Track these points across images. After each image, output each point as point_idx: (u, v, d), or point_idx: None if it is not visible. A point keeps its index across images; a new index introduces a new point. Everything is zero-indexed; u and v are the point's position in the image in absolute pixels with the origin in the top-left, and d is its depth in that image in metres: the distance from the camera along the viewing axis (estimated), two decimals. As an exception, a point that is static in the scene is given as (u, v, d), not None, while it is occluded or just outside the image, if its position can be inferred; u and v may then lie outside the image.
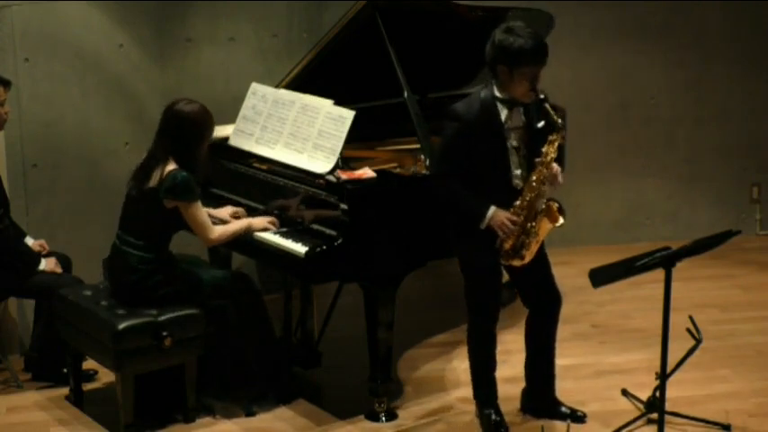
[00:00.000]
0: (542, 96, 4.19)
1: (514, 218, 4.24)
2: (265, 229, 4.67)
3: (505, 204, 4.26)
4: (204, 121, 4.57)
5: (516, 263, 4.32)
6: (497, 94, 4.25)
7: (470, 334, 4.52)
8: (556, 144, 4.20)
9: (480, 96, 4.27)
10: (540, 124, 4.24)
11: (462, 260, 4.43)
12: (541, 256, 4.44)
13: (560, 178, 4.32)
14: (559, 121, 4.18)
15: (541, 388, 4.65)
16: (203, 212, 4.59)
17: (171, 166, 4.50)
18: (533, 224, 4.26)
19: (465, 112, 4.25)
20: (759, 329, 5.67)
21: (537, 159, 4.23)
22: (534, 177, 4.23)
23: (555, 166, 4.25)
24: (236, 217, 4.82)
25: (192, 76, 5.96)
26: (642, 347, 5.35)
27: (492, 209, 4.23)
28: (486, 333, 4.47)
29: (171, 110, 4.58)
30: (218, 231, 4.62)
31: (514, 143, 4.28)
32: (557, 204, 4.25)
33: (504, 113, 4.25)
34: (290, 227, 4.69)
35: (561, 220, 4.26)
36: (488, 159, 4.26)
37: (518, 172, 4.30)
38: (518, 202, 4.26)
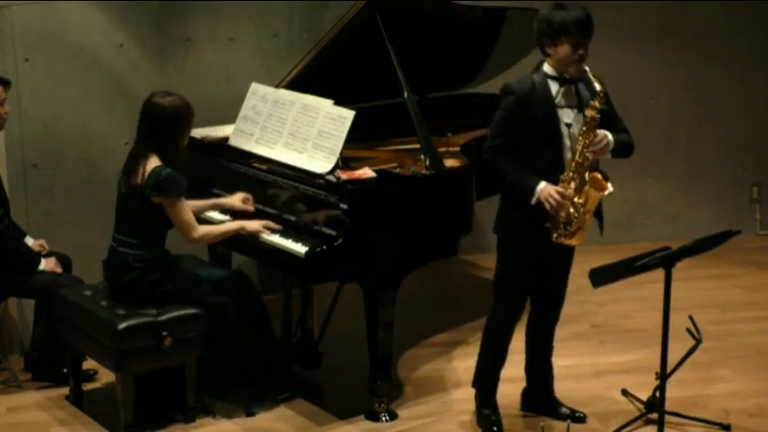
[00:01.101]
0: (587, 68, 4.18)
1: (561, 189, 4.18)
2: (259, 233, 4.64)
3: (557, 182, 4.21)
4: (182, 112, 4.54)
5: (567, 241, 4.24)
6: (547, 70, 4.25)
7: (489, 324, 4.50)
8: (597, 109, 4.14)
9: (533, 76, 4.27)
10: (594, 102, 4.16)
11: (503, 237, 4.39)
12: (569, 257, 4.44)
13: (605, 145, 4.23)
14: (599, 86, 4.13)
15: (541, 387, 4.66)
16: (187, 210, 4.56)
17: (154, 162, 4.49)
18: (580, 196, 4.19)
19: (518, 87, 4.24)
20: (759, 329, 5.67)
21: (582, 128, 4.19)
22: (578, 147, 4.18)
23: (601, 132, 4.21)
24: (245, 204, 4.81)
25: (192, 76, 5.96)
26: (642, 347, 5.35)
27: (542, 183, 4.18)
28: (504, 326, 4.45)
29: (149, 103, 4.56)
30: (203, 231, 4.60)
31: (567, 120, 4.25)
32: (600, 174, 4.19)
33: (554, 89, 4.23)
34: (289, 227, 4.69)
35: (610, 188, 4.17)
36: (540, 135, 4.22)
37: (569, 150, 4.24)
38: (564, 175, 4.21)
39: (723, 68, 6.99)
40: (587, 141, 4.18)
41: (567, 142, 4.25)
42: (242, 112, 5.17)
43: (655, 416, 4.33)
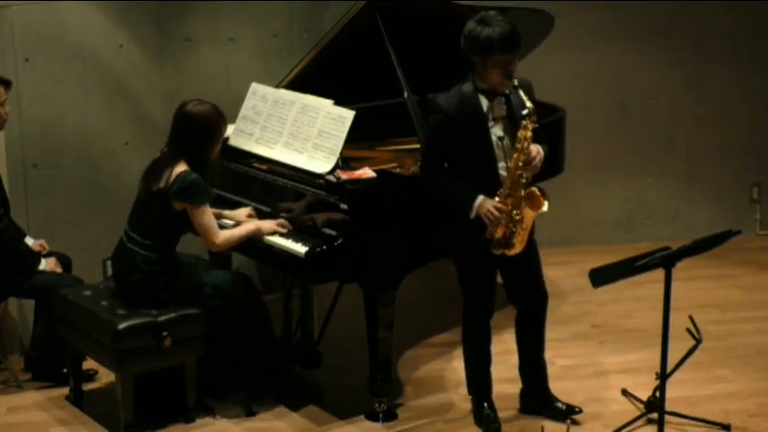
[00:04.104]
0: (516, 83, 4.19)
1: (500, 205, 4.24)
2: (274, 233, 4.63)
3: (494, 195, 4.27)
4: (215, 121, 4.56)
5: (508, 252, 4.31)
6: (477, 85, 4.28)
7: (464, 325, 4.54)
8: (530, 127, 4.19)
9: (462, 88, 4.30)
10: (524, 112, 4.20)
11: (453, 250, 4.45)
12: (533, 254, 4.45)
13: (539, 162, 4.27)
14: (530, 104, 4.15)
15: (536, 386, 4.66)
16: (211, 216, 4.56)
17: (181, 168, 4.49)
18: (518, 212, 4.25)
19: (446, 104, 4.28)
20: (759, 329, 5.67)
21: (516, 145, 4.23)
22: (512, 163, 4.24)
23: (533, 148, 4.24)
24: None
25: (192, 76, 5.96)
26: (642, 347, 5.35)
27: (480, 197, 4.25)
28: (479, 325, 4.48)
29: (182, 111, 4.57)
30: (225, 236, 4.59)
31: (499, 133, 4.29)
32: (538, 190, 4.23)
33: (485, 104, 4.27)
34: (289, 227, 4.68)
35: (545, 207, 4.22)
36: (473, 150, 4.28)
37: (503, 163, 4.30)
38: (501, 190, 4.26)
39: (723, 68, 6.98)
40: (521, 160, 4.22)
41: (501, 154, 4.30)
42: (242, 112, 5.17)
43: (655, 416, 4.33)
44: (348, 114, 4.68)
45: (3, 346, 5.33)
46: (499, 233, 4.28)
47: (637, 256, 4.03)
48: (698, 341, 4.42)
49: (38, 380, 5.12)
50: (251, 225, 4.68)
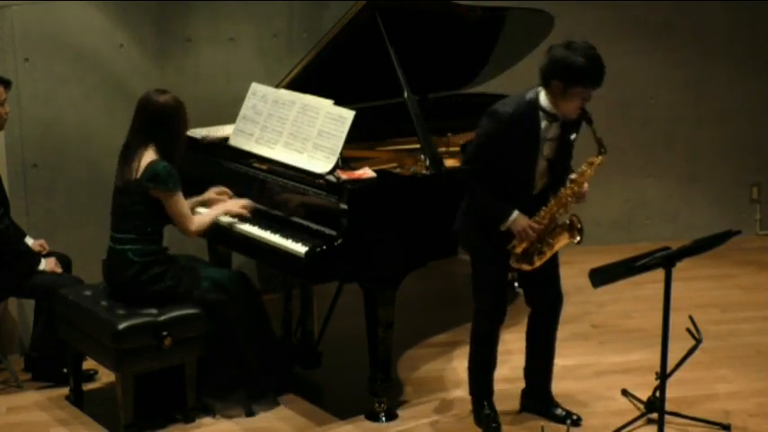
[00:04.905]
0: (588, 116, 4.20)
1: (536, 225, 4.27)
2: (240, 214, 4.74)
3: (522, 210, 4.28)
4: (176, 108, 4.61)
5: (525, 267, 4.35)
6: (543, 104, 4.23)
7: (473, 329, 4.52)
8: (596, 165, 4.23)
9: (525, 100, 4.24)
10: (573, 137, 4.25)
11: (473, 247, 4.45)
12: (553, 257, 4.45)
13: (585, 196, 4.34)
14: (604, 148, 4.21)
15: (539, 388, 4.66)
16: (184, 204, 4.62)
17: (150, 156, 4.53)
18: (551, 235, 4.30)
19: (505, 115, 4.22)
20: (759, 329, 5.67)
21: (572, 176, 4.27)
22: (567, 192, 4.26)
23: (586, 185, 4.29)
24: (219, 197, 4.89)
25: (192, 76, 5.96)
26: (642, 347, 5.35)
27: (515, 213, 4.26)
28: (489, 327, 4.48)
29: (143, 100, 4.62)
30: (198, 222, 4.67)
31: (546, 153, 4.29)
32: (580, 223, 4.28)
33: (543, 123, 4.25)
34: (289, 227, 4.68)
35: (578, 238, 4.28)
36: (517, 164, 4.27)
37: (541, 181, 4.33)
38: (542, 212, 4.28)
39: (723, 68, 6.98)
40: (574, 190, 4.25)
41: (541, 173, 4.31)
42: (242, 112, 5.17)
43: (655, 416, 4.33)
44: (348, 114, 4.68)
45: (3, 346, 5.33)
46: (520, 249, 4.30)
47: (637, 256, 4.03)
48: (698, 341, 4.42)
49: (38, 380, 5.12)
50: (218, 208, 4.78)
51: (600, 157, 4.23)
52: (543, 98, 4.22)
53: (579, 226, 4.27)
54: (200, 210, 4.88)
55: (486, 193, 4.30)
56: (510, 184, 4.29)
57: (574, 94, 4.15)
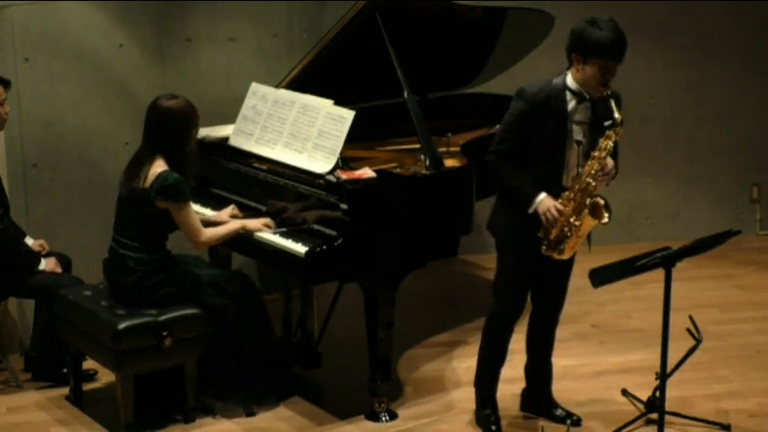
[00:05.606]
0: (610, 92, 4.15)
1: (561, 207, 4.18)
2: (259, 231, 4.66)
3: (553, 195, 4.21)
4: (189, 115, 4.54)
5: (555, 256, 4.26)
6: (569, 83, 4.21)
7: (487, 325, 4.49)
8: (613, 139, 4.15)
9: (552, 82, 4.23)
10: (607, 123, 4.17)
11: (500, 237, 4.39)
12: (569, 262, 4.41)
13: (610, 175, 4.26)
14: (618, 116, 4.12)
15: (539, 387, 4.66)
16: (194, 215, 4.58)
17: (160, 166, 4.48)
18: (578, 218, 4.20)
19: (532, 95, 4.20)
20: (759, 329, 5.67)
21: (593, 153, 4.18)
22: (585, 170, 4.19)
23: (609, 161, 4.21)
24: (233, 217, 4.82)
25: (192, 76, 5.96)
26: (642, 347, 5.35)
27: (542, 194, 4.19)
28: (503, 327, 4.45)
29: (154, 106, 4.55)
30: (209, 234, 4.61)
31: (578, 137, 4.23)
32: (603, 201, 4.19)
33: (571, 104, 4.21)
34: (289, 227, 4.69)
35: (606, 218, 4.19)
36: (546, 147, 4.21)
37: (573, 167, 4.24)
38: (566, 193, 4.21)
39: (723, 68, 6.99)
40: (596, 169, 4.17)
41: (573, 158, 4.24)
42: (242, 112, 5.17)
43: (655, 416, 4.33)
44: (348, 114, 4.68)
45: (3, 346, 5.33)
46: (554, 234, 4.24)
47: (637, 256, 4.03)
48: (698, 341, 4.42)
49: (38, 380, 5.12)
50: (236, 223, 4.70)
51: (615, 130, 4.12)
52: (570, 78, 4.21)
53: (603, 203, 4.17)
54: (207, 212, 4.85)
55: (512, 174, 4.23)
56: (541, 171, 4.22)
57: (594, 67, 4.12)
